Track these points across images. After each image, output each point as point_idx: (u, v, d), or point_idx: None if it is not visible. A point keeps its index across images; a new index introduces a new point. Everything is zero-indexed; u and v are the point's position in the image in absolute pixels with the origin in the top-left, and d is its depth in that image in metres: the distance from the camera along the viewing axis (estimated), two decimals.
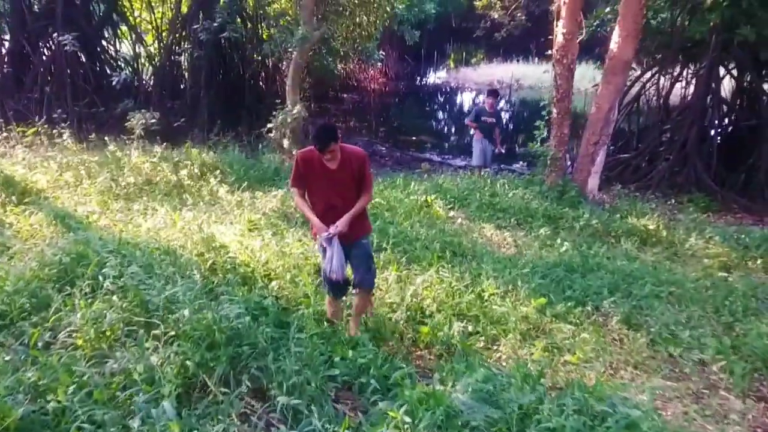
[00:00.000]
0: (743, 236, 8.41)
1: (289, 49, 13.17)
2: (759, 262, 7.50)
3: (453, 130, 22.69)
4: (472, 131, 11.36)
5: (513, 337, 5.15)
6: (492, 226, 8.40)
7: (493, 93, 11.13)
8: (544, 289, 6.13)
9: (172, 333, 4.30)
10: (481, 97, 27.44)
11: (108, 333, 4.38)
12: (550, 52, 9.81)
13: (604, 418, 3.68)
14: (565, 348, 5.12)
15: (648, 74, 13.29)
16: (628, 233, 8.24)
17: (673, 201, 10.44)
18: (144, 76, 17.16)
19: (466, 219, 8.68)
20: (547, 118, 10.02)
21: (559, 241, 7.70)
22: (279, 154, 12.24)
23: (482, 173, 10.99)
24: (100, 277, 4.96)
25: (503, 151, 11.56)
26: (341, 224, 4.47)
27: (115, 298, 4.69)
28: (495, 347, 5.10)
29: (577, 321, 5.62)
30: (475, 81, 31.34)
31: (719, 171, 11.42)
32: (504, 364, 4.85)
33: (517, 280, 6.19)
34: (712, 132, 11.65)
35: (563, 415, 3.61)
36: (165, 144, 11.27)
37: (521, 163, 14.73)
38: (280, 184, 10.04)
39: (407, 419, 3.45)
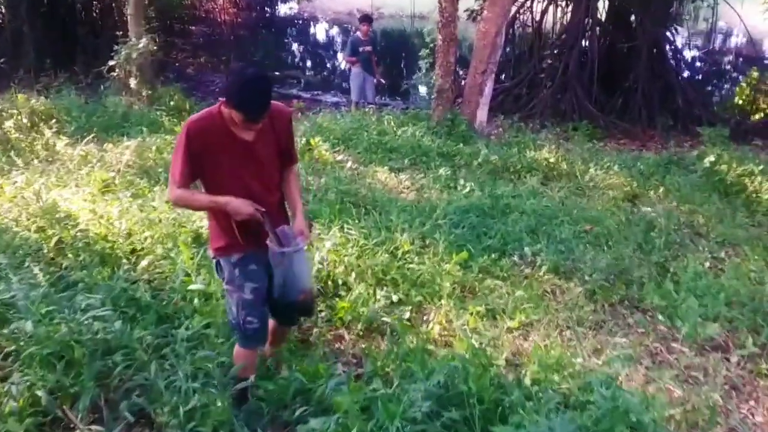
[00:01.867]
0: (638, 164, 8.20)
1: None
2: (661, 190, 7.26)
3: (316, 63, 21.43)
4: (349, 66, 10.37)
5: (442, 303, 4.40)
6: (385, 168, 7.57)
7: (366, 18, 10.16)
8: (461, 240, 5.43)
9: (10, 350, 3.14)
10: (335, 30, 26.38)
11: None
12: None
13: (585, 406, 3.05)
14: (500, 310, 4.45)
15: None
16: (529, 168, 7.73)
17: (558, 130, 10.10)
18: None
19: (355, 162, 7.78)
20: (432, 45, 9.21)
21: (462, 181, 7.02)
22: (126, 96, 10.58)
23: (364, 109, 10.04)
24: None
25: (383, 81, 10.67)
26: (305, 228, 3.04)
27: None
28: (424, 317, 4.33)
29: (505, 275, 4.98)
30: (333, 10, 29.86)
31: (598, 96, 11.25)
32: (438, 336, 4.10)
33: (433, 231, 5.44)
34: (591, 56, 11.38)
35: (543, 411, 2.92)
36: None
37: (396, 97, 13.95)
38: (132, 132, 8.56)
39: None
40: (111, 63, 10.63)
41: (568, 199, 6.91)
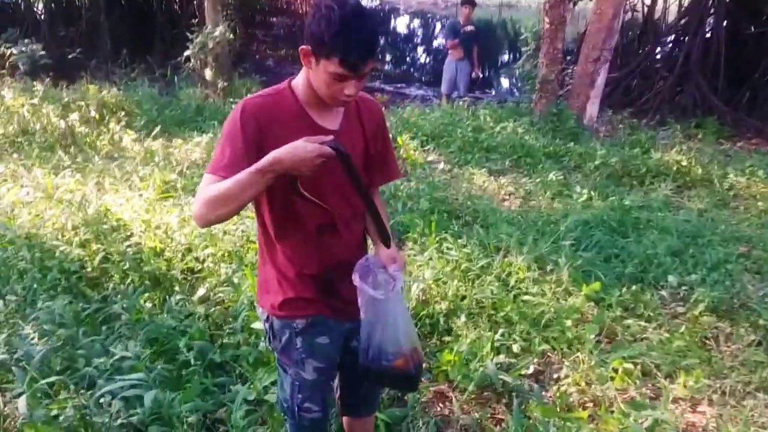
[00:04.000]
0: None
1: None
2: None
3: (398, 55, 20.51)
4: (446, 53, 9.36)
5: (579, 356, 3.37)
6: (483, 171, 6.54)
7: (469, 1, 9.03)
8: (587, 264, 4.37)
9: None
10: (417, 21, 25.43)
11: None
12: None
13: None
14: (652, 364, 3.38)
15: None
16: (656, 173, 6.53)
17: (678, 127, 8.75)
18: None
19: (448, 163, 6.79)
20: (534, 30, 8.10)
21: (578, 188, 5.92)
22: (201, 88, 9.97)
23: (455, 103, 9.01)
24: None
25: (480, 75, 9.62)
26: (398, 254, 2.01)
27: None
28: (555, 374, 3.31)
29: (650, 314, 3.89)
30: (416, 0, 28.91)
31: (723, 89, 9.81)
32: (573, 399, 3.08)
33: (551, 252, 4.40)
34: (716, 44, 9.90)
35: None
36: (50, 79, 8.86)
37: (486, 90, 12.85)
38: (205, 127, 7.88)
39: None
40: (186, 53, 10.02)
41: (708, 211, 5.71)
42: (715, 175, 6.48)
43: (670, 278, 4.26)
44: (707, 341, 3.73)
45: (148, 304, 3.46)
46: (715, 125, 8.92)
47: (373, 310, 1.92)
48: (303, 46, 1.68)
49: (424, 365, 2.40)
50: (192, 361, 2.80)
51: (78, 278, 3.64)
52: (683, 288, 4.24)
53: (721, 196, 6.11)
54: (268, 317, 2.00)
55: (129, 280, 3.70)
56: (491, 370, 3.01)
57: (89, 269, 3.81)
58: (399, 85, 13.54)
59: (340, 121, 1.87)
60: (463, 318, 3.38)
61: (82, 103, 8.14)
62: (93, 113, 7.87)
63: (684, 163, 6.58)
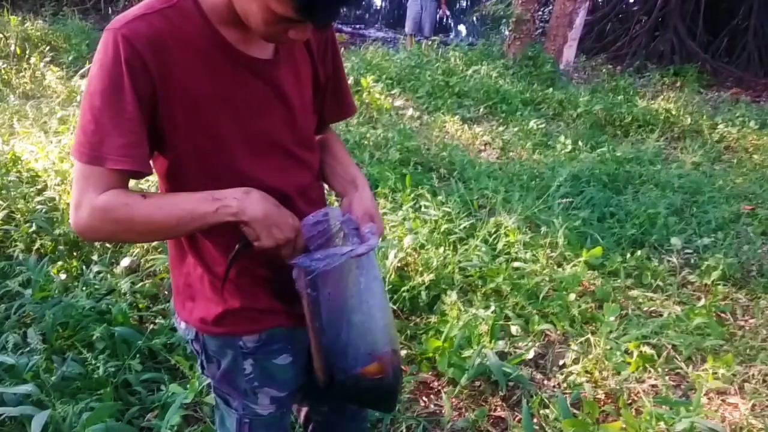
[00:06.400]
0: None
1: None
2: None
3: None
4: None
5: (584, 336, 2.83)
6: (456, 118, 5.91)
7: None
8: (582, 225, 3.83)
9: None
10: None
11: None
12: None
13: None
14: (669, 346, 2.87)
15: None
16: (643, 122, 6.02)
17: (657, 75, 8.27)
18: None
19: (417, 110, 6.13)
20: None
21: (562, 138, 5.35)
22: None
23: (421, 44, 8.28)
24: None
25: (448, 13, 8.88)
26: (375, 210, 1.29)
27: None
28: (560, 360, 2.77)
29: (659, 283, 3.38)
30: None
31: (701, 35, 9.33)
32: (581, 389, 2.54)
33: (543, 211, 3.84)
34: None
35: None
36: None
37: (449, 33, 12.12)
38: None
39: None
40: None
41: (702, 165, 5.24)
42: (704, 126, 6.01)
43: (674, 241, 3.75)
44: (723, 315, 3.26)
45: (62, 276, 2.78)
46: (694, 72, 8.46)
47: (333, 288, 1.24)
48: None
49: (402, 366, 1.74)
50: (103, 363, 2.14)
51: None
52: (687, 252, 3.77)
53: (713, 149, 5.64)
54: (197, 335, 1.32)
55: (37, 246, 2.98)
56: (493, 361, 2.43)
57: None
58: (357, 26, 12.67)
59: (273, 48, 1.18)
60: (454, 296, 2.78)
61: (1, 35, 7.18)
62: (13, 47, 6.91)
63: (674, 112, 6.07)
